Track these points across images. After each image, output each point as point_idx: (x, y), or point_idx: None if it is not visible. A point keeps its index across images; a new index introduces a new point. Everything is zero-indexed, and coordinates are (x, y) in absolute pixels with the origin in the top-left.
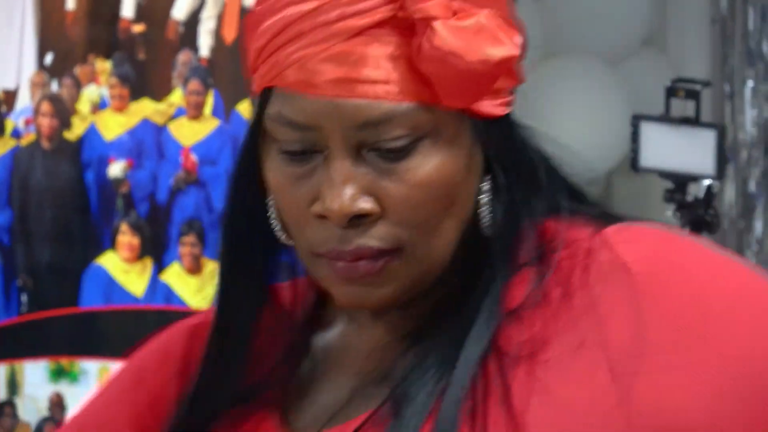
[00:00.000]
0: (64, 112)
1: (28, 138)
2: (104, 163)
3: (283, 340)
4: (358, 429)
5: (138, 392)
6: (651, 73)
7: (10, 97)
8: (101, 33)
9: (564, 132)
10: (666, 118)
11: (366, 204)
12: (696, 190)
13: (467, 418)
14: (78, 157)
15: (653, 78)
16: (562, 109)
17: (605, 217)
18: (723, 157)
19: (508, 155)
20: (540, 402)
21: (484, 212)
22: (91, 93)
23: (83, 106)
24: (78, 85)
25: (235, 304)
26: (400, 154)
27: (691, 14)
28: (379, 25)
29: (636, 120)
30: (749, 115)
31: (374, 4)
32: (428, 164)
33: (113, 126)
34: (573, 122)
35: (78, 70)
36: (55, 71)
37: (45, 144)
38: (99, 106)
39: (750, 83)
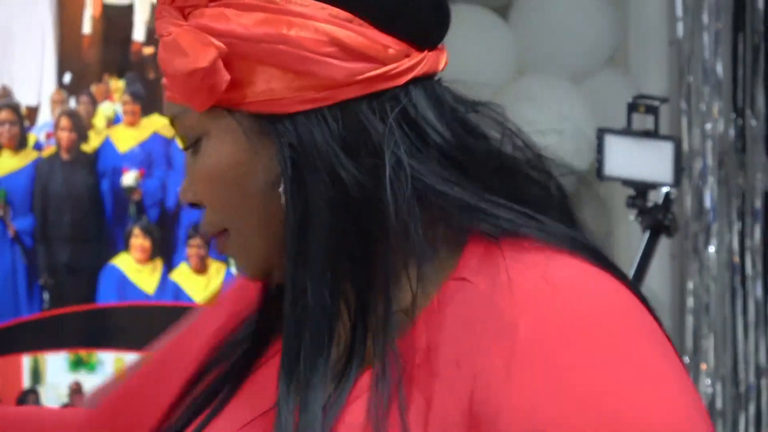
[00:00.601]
0: (81, 127)
1: (48, 150)
2: (118, 172)
3: None
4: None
5: (216, 313)
6: (614, 90)
7: (33, 113)
8: (115, 55)
9: (540, 144)
10: (628, 131)
11: (186, 195)
12: (655, 197)
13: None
14: (94, 167)
15: (616, 95)
16: (533, 122)
17: (560, 243)
18: (680, 166)
19: (305, 148)
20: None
21: (283, 200)
22: (106, 109)
23: (99, 121)
24: (94, 102)
25: None
26: (193, 151)
27: (651, 37)
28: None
29: (600, 133)
30: (703, 128)
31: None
32: (207, 160)
33: (126, 139)
34: (542, 135)
35: (94, 89)
36: (73, 89)
37: (64, 155)
38: (113, 121)
39: (704, 100)
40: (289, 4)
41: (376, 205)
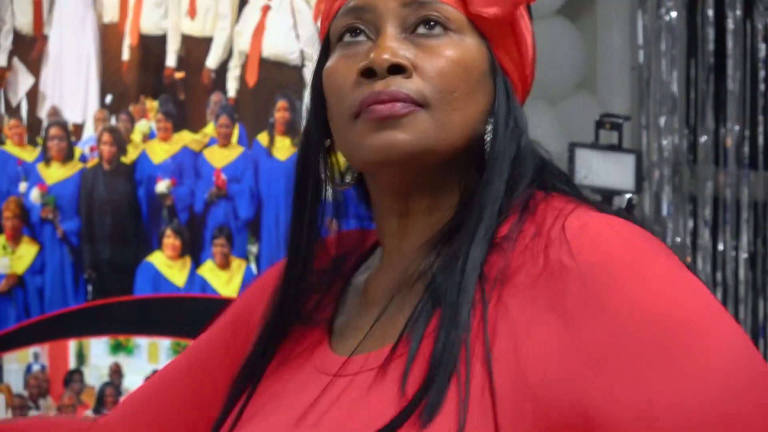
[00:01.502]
0: (120, 141)
1: (92, 161)
2: (153, 181)
3: (331, 278)
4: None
5: (238, 309)
6: (583, 109)
7: (78, 129)
8: (150, 79)
9: None
10: (595, 145)
11: (405, 59)
12: (620, 202)
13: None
14: (132, 176)
15: (585, 113)
16: None
17: (584, 200)
18: (640, 176)
19: (510, 110)
20: (503, 325)
21: (489, 133)
22: (142, 126)
23: (136, 136)
24: (132, 120)
25: (297, 242)
26: (434, 34)
27: (615, 63)
28: None
29: (571, 147)
30: (660, 143)
31: None
32: (455, 48)
33: (160, 152)
34: None
35: (132, 108)
36: (113, 109)
37: (106, 166)
38: (148, 137)
39: (662, 118)
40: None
41: (521, 153)
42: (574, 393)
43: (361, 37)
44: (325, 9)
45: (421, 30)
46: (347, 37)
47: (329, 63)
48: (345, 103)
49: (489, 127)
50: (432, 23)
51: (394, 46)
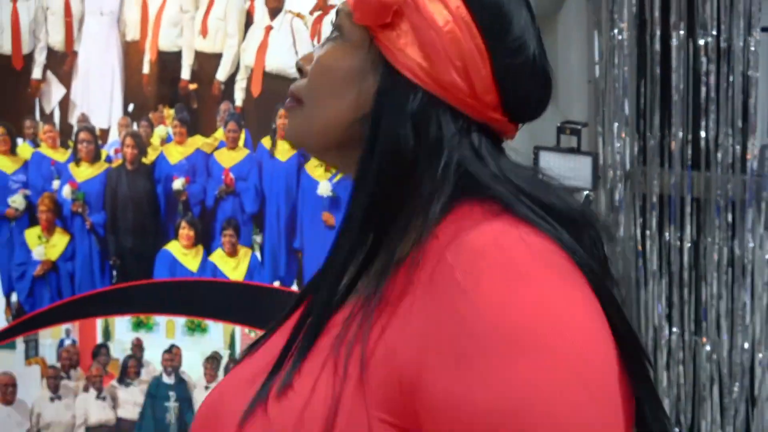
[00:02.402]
0: (141, 145)
1: (117, 162)
2: (170, 179)
3: None
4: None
5: None
6: (546, 117)
7: (104, 134)
8: (167, 90)
9: None
10: (557, 148)
11: (303, 62)
12: (579, 198)
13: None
14: (152, 175)
15: (548, 121)
16: None
17: (509, 204)
18: (596, 175)
19: (394, 103)
20: (378, 342)
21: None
22: (160, 131)
23: (155, 140)
24: (151, 126)
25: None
26: (331, 38)
27: (574, 77)
28: None
29: (536, 149)
30: (614, 146)
31: None
32: (328, 51)
33: (175, 154)
34: None
35: (151, 116)
36: (135, 116)
37: (128, 166)
38: (166, 140)
39: (615, 124)
40: (464, 23)
41: (417, 172)
42: (418, 369)
43: None
44: None
45: (331, 34)
46: None
47: None
48: None
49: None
50: (334, 30)
51: (309, 55)
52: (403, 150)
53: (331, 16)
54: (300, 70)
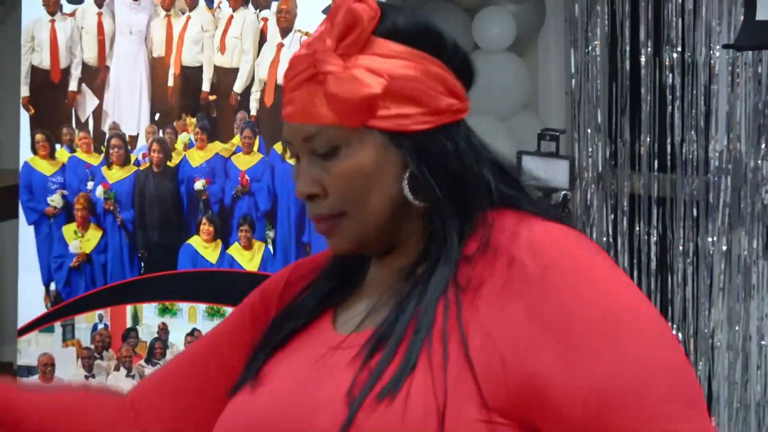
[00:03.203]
0: (167, 150)
1: (144, 165)
2: (192, 181)
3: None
4: (373, 334)
5: (256, 302)
6: (528, 125)
7: (133, 140)
8: (189, 101)
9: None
10: (538, 153)
11: (312, 189)
12: (557, 197)
13: (437, 325)
14: (176, 177)
15: (529, 128)
16: None
17: (539, 212)
18: (573, 177)
19: (423, 156)
20: (474, 325)
21: (406, 191)
22: (183, 138)
23: (179, 145)
24: (175, 133)
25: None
26: (327, 156)
27: (553, 89)
28: (308, 78)
29: (519, 154)
30: (587, 151)
31: (304, 67)
32: (345, 164)
33: (197, 158)
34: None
35: (175, 124)
36: (161, 124)
37: (155, 169)
38: (188, 146)
39: (589, 131)
40: (417, 57)
41: (454, 190)
42: (534, 365)
43: (296, 161)
44: None
45: (321, 153)
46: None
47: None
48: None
49: (405, 183)
50: (324, 148)
51: (306, 177)
52: (453, 178)
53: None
54: (311, 195)
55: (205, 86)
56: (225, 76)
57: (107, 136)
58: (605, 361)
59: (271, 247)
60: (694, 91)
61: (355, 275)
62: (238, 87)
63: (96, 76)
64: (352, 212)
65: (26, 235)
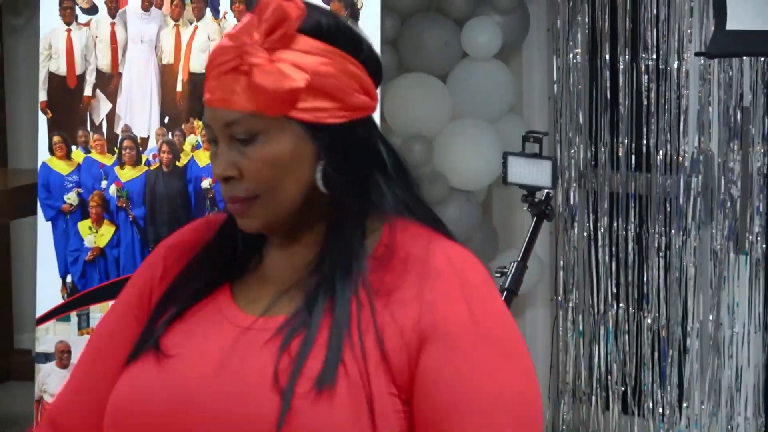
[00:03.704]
0: (175, 151)
1: (155, 165)
2: (199, 180)
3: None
4: (284, 322)
5: (135, 289)
6: (513, 127)
7: (144, 141)
8: (197, 105)
9: (467, 163)
10: (522, 154)
11: (229, 172)
12: (540, 195)
13: (353, 321)
14: (184, 176)
15: (515, 130)
16: (464, 149)
17: (433, 223)
18: (555, 176)
19: (336, 148)
20: (390, 328)
21: (318, 182)
22: (191, 140)
23: (187, 147)
24: (184, 135)
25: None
26: (246, 142)
27: (537, 94)
28: (233, 69)
29: (505, 155)
30: (569, 152)
31: (230, 57)
32: (262, 150)
33: (204, 159)
34: (472, 157)
35: (184, 126)
36: (170, 127)
37: (165, 169)
38: (196, 147)
39: (571, 134)
40: (337, 56)
41: (359, 184)
42: (425, 360)
43: (213, 145)
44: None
45: (240, 138)
46: (207, 137)
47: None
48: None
49: (318, 175)
50: (243, 134)
51: (224, 160)
52: (362, 172)
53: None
54: (227, 178)
55: None
56: None
57: (120, 138)
58: (480, 368)
59: None
60: (668, 96)
61: (248, 254)
62: None
63: (109, 82)
64: (265, 196)
65: (44, 230)
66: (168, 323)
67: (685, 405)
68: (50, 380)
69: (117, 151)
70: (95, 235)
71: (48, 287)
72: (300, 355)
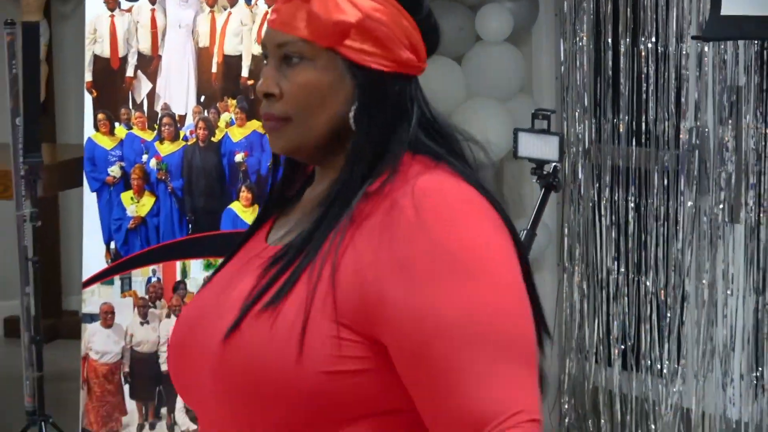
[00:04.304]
0: (211, 127)
1: (192, 141)
2: (233, 154)
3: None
4: (279, 251)
5: None
6: (524, 105)
7: (182, 119)
8: (230, 84)
9: (482, 138)
10: (532, 130)
11: (271, 89)
12: (548, 168)
13: (324, 247)
14: (219, 150)
15: (525, 109)
16: (478, 126)
17: (440, 158)
18: (562, 150)
19: (372, 93)
20: (350, 253)
21: (350, 120)
22: (225, 117)
23: (221, 123)
24: (218, 113)
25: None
26: (292, 65)
27: (545, 74)
28: None
29: (516, 131)
30: (575, 128)
31: None
32: (304, 75)
33: (237, 134)
34: (485, 133)
35: (218, 104)
36: (206, 105)
37: (201, 144)
38: (230, 124)
39: (577, 111)
40: (393, 7)
41: (383, 133)
42: (387, 288)
43: (266, 61)
44: None
45: (287, 61)
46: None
47: None
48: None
49: (351, 114)
50: (291, 57)
51: (269, 78)
52: (388, 123)
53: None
54: (268, 94)
55: (244, 72)
56: (261, 63)
57: (159, 115)
58: (443, 293)
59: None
60: (667, 77)
61: (299, 190)
62: None
63: (150, 64)
64: (296, 120)
65: (90, 201)
66: (228, 259)
67: (682, 362)
68: (95, 339)
69: (157, 127)
70: (137, 205)
71: (93, 253)
72: (271, 279)
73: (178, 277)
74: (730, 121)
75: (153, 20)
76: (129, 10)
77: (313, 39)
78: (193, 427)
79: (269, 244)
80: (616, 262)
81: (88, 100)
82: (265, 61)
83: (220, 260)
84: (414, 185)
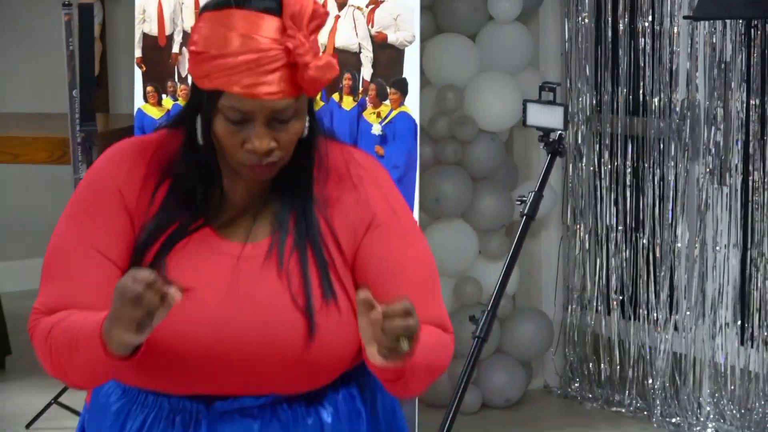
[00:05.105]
0: None
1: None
2: None
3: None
4: (270, 246)
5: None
6: (532, 79)
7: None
8: None
9: (492, 109)
10: (539, 101)
11: (273, 145)
12: (554, 136)
13: (320, 233)
14: None
15: (533, 81)
16: (490, 97)
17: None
18: (566, 120)
19: (311, 107)
20: (341, 228)
21: (305, 131)
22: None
23: None
24: None
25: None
26: (285, 121)
27: (551, 51)
28: (282, 66)
29: (525, 102)
30: (578, 99)
31: (278, 56)
32: (298, 125)
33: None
34: (496, 104)
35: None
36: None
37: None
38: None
39: (579, 84)
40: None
41: (315, 134)
42: (368, 239)
43: (235, 125)
44: (208, 72)
45: (279, 118)
46: (232, 118)
47: (218, 123)
48: (236, 155)
49: (306, 125)
50: (284, 116)
51: (264, 137)
52: (318, 129)
53: (383, 9)
54: (271, 150)
55: None
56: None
57: None
58: (415, 242)
59: None
60: (661, 53)
61: (208, 189)
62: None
63: None
64: (286, 156)
65: None
66: (159, 262)
67: (675, 312)
68: None
69: None
70: None
71: None
72: (305, 276)
73: None
74: (716, 93)
75: (197, 1)
76: None
77: (308, 95)
78: None
79: (235, 241)
80: (615, 221)
81: (137, 74)
82: (234, 120)
83: None
84: (357, 158)
